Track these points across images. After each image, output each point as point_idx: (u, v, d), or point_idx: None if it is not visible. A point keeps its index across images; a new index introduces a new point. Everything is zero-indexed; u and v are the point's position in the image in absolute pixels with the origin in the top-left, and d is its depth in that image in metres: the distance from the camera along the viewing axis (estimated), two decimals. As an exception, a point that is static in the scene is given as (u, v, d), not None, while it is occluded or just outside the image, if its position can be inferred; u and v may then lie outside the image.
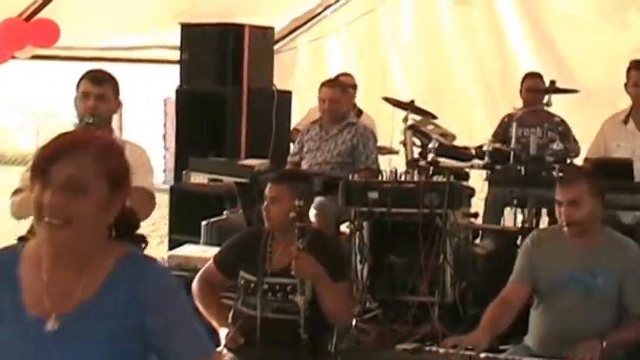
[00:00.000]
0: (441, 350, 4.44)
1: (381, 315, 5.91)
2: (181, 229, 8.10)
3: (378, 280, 6.02)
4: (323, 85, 7.29)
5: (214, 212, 7.46)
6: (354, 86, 8.50)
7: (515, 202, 6.49)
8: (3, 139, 21.35)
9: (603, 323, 4.55)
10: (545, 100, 7.07)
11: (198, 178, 7.42)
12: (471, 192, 6.50)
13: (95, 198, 2.32)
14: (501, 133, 7.45)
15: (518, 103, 7.73)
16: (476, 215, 6.59)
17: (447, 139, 6.95)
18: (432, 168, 6.54)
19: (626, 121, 6.21)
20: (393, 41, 9.76)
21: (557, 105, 7.81)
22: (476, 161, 6.80)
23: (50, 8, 7.88)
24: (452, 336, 4.97)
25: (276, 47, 9.75)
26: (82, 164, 2.32)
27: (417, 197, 5.82)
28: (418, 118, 7.24)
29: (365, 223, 6.01)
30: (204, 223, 7.19)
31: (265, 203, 4.71)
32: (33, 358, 2.32)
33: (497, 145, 6.73)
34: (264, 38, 8.86)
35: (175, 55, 8.83)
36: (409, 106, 7.22)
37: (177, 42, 8.70)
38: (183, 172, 7.75)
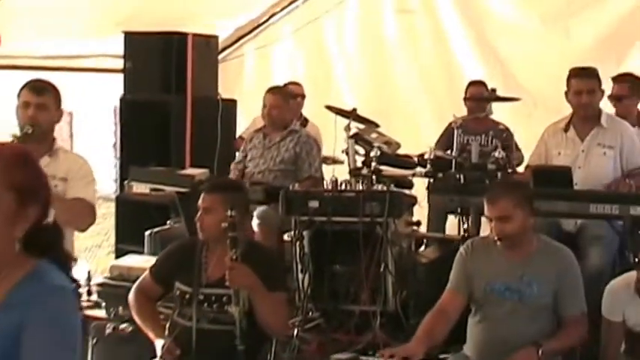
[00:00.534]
0: (378, 361, 4.45)
1: (323, 324, 5.88)
2: (127, 239, 8.06)
3: (320, 289, 5.99)
4: (267, 92, 7.26)
5: (160, 222, 7.42)
6: (302, 96, 8.47)
7: (458, 210, 6.49)
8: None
9: (540, 331, 4.58)
10: (486, 109, 7.09)
11: (141, 188, 7.35)
12: (413, 200, 6.49)
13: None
14: (445, 141, 7.46)
15: (464, 111, 7.76)
16: (418, 224, 6.58)
17: (390, 147, 6.94)
18: (374, 177, 6.53)
19: (566, 129, 6.22)
20: (337, 49, 9.75)
21: (504, 113, 7.88)
22: (418, 169, 6.79)
23: (-11, 16, 7.80)
24: (394, 345, 4.99)
25: (222, 55, 9.72)
26: None
27: (358, 206, 5.79)
28: (362, 126, 7.24)
29: (305, 233, 5.98)
30: (147, 233, 7.14)
31: (199, 213, 4.68)
32: None
33: (439, 152, 6.74)
34: (208, 47, 8.82)
35: (120, 63, 8.75)
36: (351, 114, 7.20)
37: (121, 51, 8.63)
38: (125, 181, 7.67)
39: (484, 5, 8.92)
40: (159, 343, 4.56)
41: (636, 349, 4.67)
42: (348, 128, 7.07)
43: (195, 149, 8.50)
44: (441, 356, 5.02)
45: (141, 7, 8.32)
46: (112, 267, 6.54)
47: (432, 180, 6.43)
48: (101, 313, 6.28)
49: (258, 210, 6.59)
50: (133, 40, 8.56)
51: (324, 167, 7.50)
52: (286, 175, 7.00)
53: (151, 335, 4.67)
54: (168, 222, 7.40)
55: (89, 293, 6.69)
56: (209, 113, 8.52)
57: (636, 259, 4.65)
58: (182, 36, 8.51)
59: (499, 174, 6.19)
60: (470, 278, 4.73)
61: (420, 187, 6.86)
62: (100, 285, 6.41)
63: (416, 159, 6.86)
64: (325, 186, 6.17)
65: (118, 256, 7.60)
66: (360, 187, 6.20)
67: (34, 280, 2.30)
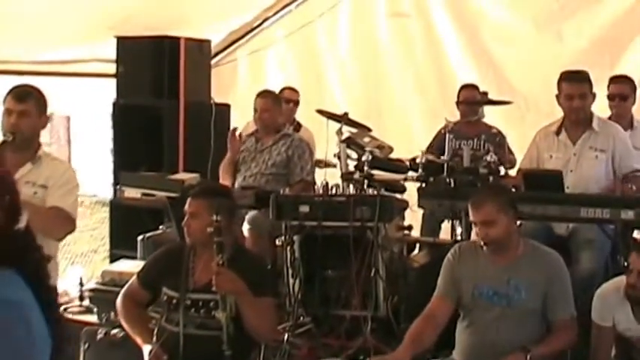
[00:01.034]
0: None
1: (313, 329, 5.85)
2: (121, 244, 8.06)
3: (311, 294, 5.96)
4: (257, 96, 7.24)
5: (153, 227, 7.41)
6: (295, 102, 8.45)
7: (450, 214, 6.46)
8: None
9: (528, 336, 4.57)
10: (478, 112, 7.07)
11: (133, 193, 7.34)
12: (404, 205, 6.47)
13: None
14: (437, 146, 7.43)
15: (457, 115, 7.74)
16: (410, 228, 6.55)
17: (383, 151, 6.92)
18: (365, 181, 6.51)
19: (558, 133, 6.19)
20: (330, 53, 9.73)
21: (497, 116, 7.87)
22: (410, 173, 6.76)
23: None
24: (385, 350, 4.98)
25: (215, 60, 9.71)
26: None
27: (348, 210, 5.76)
28: (354, 130, 7.22)
29: (296, 237, 5.95)
30: (140, 237, 7.14)
31: (185, 218, 4.67)
32: None
33: (431, 157, 6.71)
34: (201, 51, 8.80)
35: (113, 68, 8.73)
36: (342, 119, 7.18)
37: (113, 55, 8.62)
38: (117, 186, 7.66)
39: (477, 9, 8.89)
40: (146, 349, 4.55)
41: (626, 353, 4.66)
42: (340, 132, 7.05)
43: (189, 154, 8.47)
44: (431, 361, 5.01)
45: (133, 11, 8.27)
46: (103, 272, 6.55)
47: (423, 184, 6.41)
48: (93, 318, 6.28)
49: (249, 215, 6.57)
50: (125, 44, 8.54)
51: (317, 171, 7.47)
52: (278, 178, 6.97)
53: (138, 341, 4.67)
54: (160, 227, 7.39)
55: (81, 298, 6.69)
56: (202, 118, 8.48)
57: (626, 264, 4.63)
58: (174, 40, 8.49)
59: (491, 178, 6.16)
60: (457, 283, 4.72)
61: (412, 192, 6.83)
62: (91, 290, 6.42)
63: (408, 163, 6.82)
64: (316, 190, 6.14)
65: (112, 261, 7.61)
66: (351, 192, 6.18)
67: None
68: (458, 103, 7.83)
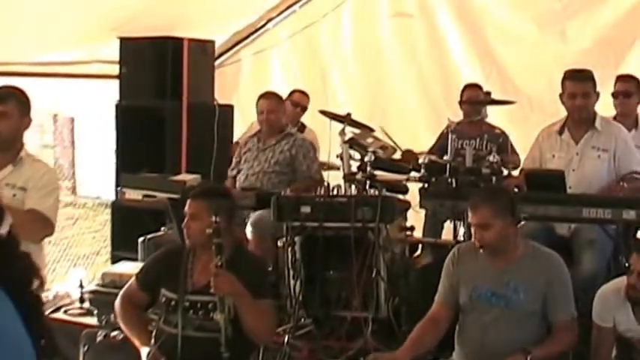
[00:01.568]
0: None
1: (314, 331, 5.83)
2: (123, 246, 8.03)
3: (311, 295, 5.93)
4: (260, 97, 7.22)
5: (154, 228, 7.39)
6: (304, 108, 8.44)
7: (452, 214, 6.42)
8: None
9: (528, 337, 4.54)
10: (481, 112, 7.04)
11: (134, 195, 7.32)
12: (406, 205, 6.45)
13: None
14: (440, 147, 7.39)
15: (461, 114, 7.71)
16: (412, 229, 6.52)
17: (386, 151, 6.90)
18: (368, 181, 6.49)
19: (561, 132, 6.16)
20: (334, 54, 9.72)
21: (501, 116, 7.84)
22: (413, 174, 6.74)
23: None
24: (385, 352, 4.95)
25: (219, 61, 9.69)
26: None
27: (350, 211, 5.74)
28: (357, 131, 7.19)
29: (297, 238, 5.92)
30: (140, 239, 7.11)
31: (185, 220, 4.64)
32: None
33: (433, 157, 6.69)
34: (204, 52, 8.74)
35: (116, 69, 8.71)
36: (345, 119, 7.16)
37: (116, 56, 8.60)
38: (118, 188, 7.64)
39: (480, 8, 8.87)
40: (144, 351, 4.54)
41: (627, 354, 4.63)
42: (342, 133, 7.02)
43: (192, 155, 8.43)
44: (432, 363, 4.99)
45: (136, 12, 8.25)
46: (103, 274, 6.53)
47: (425, 185, 6.38)
48: (93, 320, 6.27)
49: (252, 216, 6.55)
50: (128, 45, 8.50)
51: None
52: (280, 177, 6.96)
53: (136, 343, 4.65)
54: (162, 228, 7.38)
55: (81, 301, 6.67)
56: (205, 119, 8.44)
57: (627, 264, 4.60)
58: (178, 41, 8.45)
59: (494, 178, 6.14)
60: (456, 287, 4.72)
61: (415, 192, 6.81)
62: (91, 292, 6.40)
63: (417, 157, 6.80)
64: (317, 191, 6.11)
65: (113, 263, 7.59)
66: (353, 193, 6.16)
67: None
68: (461, 102, 7.80)
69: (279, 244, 6.37)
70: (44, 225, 4.77)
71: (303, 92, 8.53)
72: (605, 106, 6.65)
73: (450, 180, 6.09)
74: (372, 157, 6.56)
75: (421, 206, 6.10)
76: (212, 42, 9.00)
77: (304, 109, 8.46)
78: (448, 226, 6.96)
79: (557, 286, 4.57)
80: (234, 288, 4.39)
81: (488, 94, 7.37)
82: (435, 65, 9.16)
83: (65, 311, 6.59)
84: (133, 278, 4.87)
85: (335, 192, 5.98)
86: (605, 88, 6.71)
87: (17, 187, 4.72)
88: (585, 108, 6.04)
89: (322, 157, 7.75)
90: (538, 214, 5.56)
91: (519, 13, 8.66)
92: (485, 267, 4.61)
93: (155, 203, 7.22)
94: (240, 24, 9.80)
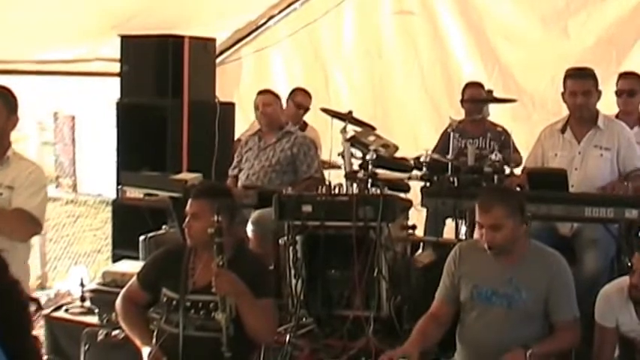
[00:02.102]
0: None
1: (315, 330, 5.81)
2: (124, 244, 8.03)
3: (313, 294, 5.92)
4: (256, 95, 7.26)
5: (155, 227, 7.38)
6: (306, 109, 8.42)
7: (454, 213, 6.41)
8: None
9: (529, 337, 4.52)
10: (483, 111, 7.02)
11: (135, 193, 7.30)
12: (408, 204, 6.42)
13: None
14: (443, 146, 7.37)
15: (463, 113, 7.70)
16: (414, 227, 6.50)
17: (388, 150, 6.87)
18: (369, 180, 6.46)
19: (563, 131, 6.14)
20: (335, 51, 9.71)
21: (503, 115, 7.82)
22: (415, 172, 6.72)
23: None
24: (387, 350, 4.92)
25: (220, 59, 9.68)
26: None
27: (351, 210, 5.71)
28: (359, 129, 7.17)
29: (299, 237, 5.90)
30: (141, 238, 7.10)
31: (187, 219, 4.62)
32: None
33: (435, 155, 6.67)
34: (205, 49, 8.73)
35: (117, 67, 8.70)
36: (347, 117, 7.13)
37: (117, 54, 8.58)
38: (118, 186, 7.62)
39: (482, 6, 8.85)
40: (145, 351, 4.51)
41: (630, 354, 4.61)
42: (344, 131, 7.00)
43: (193, 153, 8.41)
44: (435, 362, 4.98)
45: (137, 10, 8.23)
46: (104, 273, 6.52)
47: (427, 183, 6.36)
48: (94, 319, 6.25)
49: (253, 215, 6.54)
50: (129, 43, 8.49)
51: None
52: (281, 176, 6.96)
53: (137, 342, 4.62)
54: (163, 227, 7.36)
55: (82, 299, 6.66)
56: (206, 117, 8.43)
57: (630, 264, 4.58)
58: (179, 39, 8.43)
59: (496, 177, 6.11)
60: (457, 286, 4.70)
61: (417, 191, 6.79)
62: (92, 291, 6.39)
63: (412, 162, 6.78)
64: (318, 190, 6.09)
65: (114, 262, 7.58)
66: (354, 191, 6.14)
67: None
68: (463, 101, 7.78)
69: (281, 243, 6.34)
70: (31, 224, 4.75)
71: (305, 91, 8.51)
72: (607, 104, 6.62)
73: (451, 178, 6.06)
74: (374, 156, 6.52)
75: (423, 205, 6.09)
76: (213, 40, 9.00)
77: (307, 110, 8.45)
78: (450, 224, 6.94)
79: (560, 286, 4.54)
80: (236, 287, 4.37)
81: (490, 92, 7.35)
82: (436, 63, 9.14)
83: (66, 310, 6.57)
84: (134, 277, 4.84)
85: (336, 191, 5.96)
86: (608, 86, 6.69)
87: (4, 186, 4.70)
88: (586, 106, 6.02)
89: (324, 155, 7.73)
90: (540, 214, 5.54)
91: (522, 10, 8.64)
92: (487, 266, 4.59)
93: (156, 202, 7.21)
94: (241, 22, 9.79)
